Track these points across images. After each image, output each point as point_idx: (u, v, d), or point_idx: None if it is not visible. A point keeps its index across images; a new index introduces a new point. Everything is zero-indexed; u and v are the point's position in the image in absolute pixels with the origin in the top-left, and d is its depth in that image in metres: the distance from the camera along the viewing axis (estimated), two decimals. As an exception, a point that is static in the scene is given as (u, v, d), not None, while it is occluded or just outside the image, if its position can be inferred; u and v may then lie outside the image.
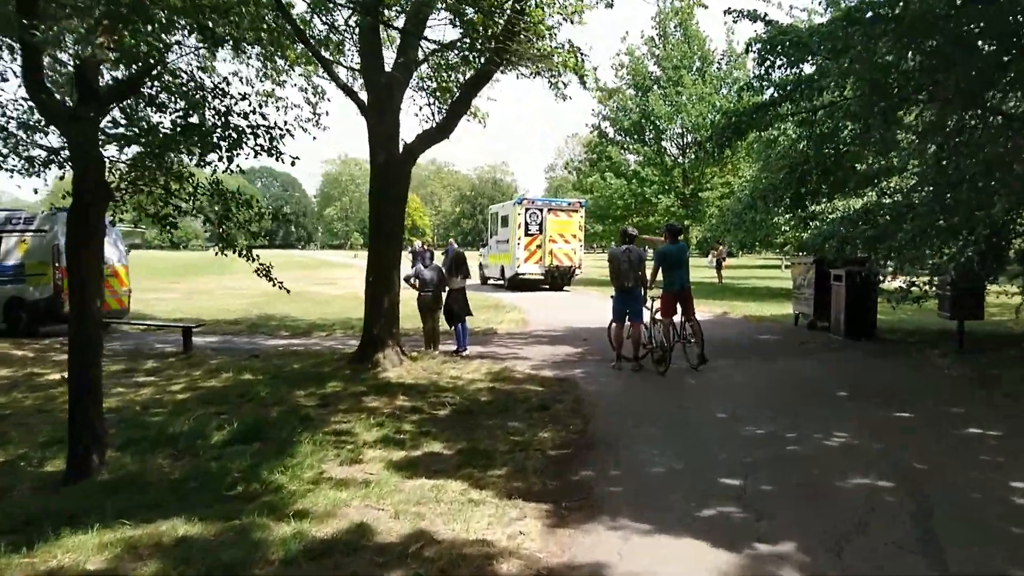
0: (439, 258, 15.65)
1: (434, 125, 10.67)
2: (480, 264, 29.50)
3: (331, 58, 10.85)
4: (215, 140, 6.36)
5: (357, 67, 11.24)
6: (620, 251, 10.50)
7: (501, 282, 27.40)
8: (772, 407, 8.22)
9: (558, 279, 25.96)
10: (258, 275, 8.31)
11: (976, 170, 9.75)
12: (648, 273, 10.88)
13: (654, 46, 31.13)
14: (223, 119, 6.67)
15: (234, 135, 6.56)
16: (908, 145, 13.68)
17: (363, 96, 10.62)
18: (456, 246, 32.39)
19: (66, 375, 6.81)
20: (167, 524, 4.73)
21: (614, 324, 10.76)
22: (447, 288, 11.91)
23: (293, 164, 7.67)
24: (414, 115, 12.06)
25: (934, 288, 11.85)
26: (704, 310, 19.18)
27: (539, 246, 25.35)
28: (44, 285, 14.71)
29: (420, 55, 10.84)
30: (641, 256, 10.57)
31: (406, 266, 13.42)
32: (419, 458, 6.37)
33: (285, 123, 15.55)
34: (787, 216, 22.23)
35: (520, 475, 5.84)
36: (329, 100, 15.16)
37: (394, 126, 10.49)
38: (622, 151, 31.31)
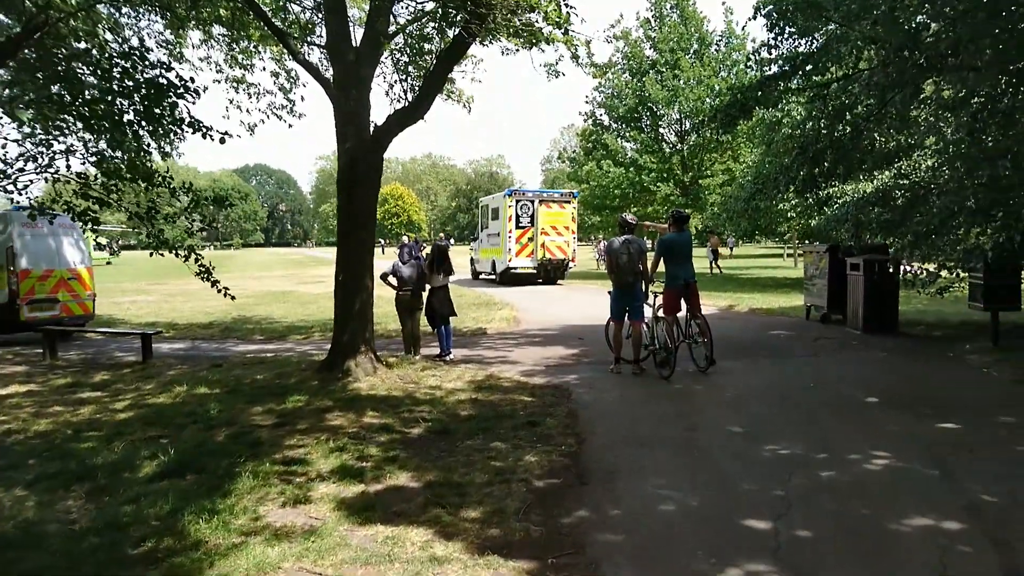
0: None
1: (406, 104, 9.55)
2: (471, 259, 28.91)
3: (298, 37, 9.73)
4: (117, 110, 5.25)
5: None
6: (619, 243, 9.42)
7: (492, 277, 26.63)
8: (794, 419, 7.15)
9: (551, 273, 25.28)
10: (200, 278, 7.24)
11: (1016, 145, 8.64)
12: (649, 266, 9.81)
13: (649, 28, 29.94)
14: (134, 87, 5.56)
15: (142, 106, 5.43)
16: (925, 121, 12.59)
17: (330, 75, 9.54)
18: (450, 242, 32.14)
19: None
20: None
21: (612, 323, 9.68)
22: (428, 286, 10.82)
23: (223, 142, 6.57)
24: (385, 94, 10.94)
25: (964, 275, 10.79)
26: (707, 303, 18.06)
27: (531, 239, 24.64)
28: (-1, 290, 13.63)
29: (392, 27, 9.74)
30: (642, 247, 9.48)
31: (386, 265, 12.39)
32: (378, 495, 5.28)
33: (259, 111, 14.62)
34: (793, 202, 21.17)
35: (498, 517, 4.76)
36: (304, 86, 14.00)
37: (363, 106, 9.38)
38: (618, 139, 30.14)
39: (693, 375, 9.30)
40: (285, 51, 12.02)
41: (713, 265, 27.38)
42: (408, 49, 10.18)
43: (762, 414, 7.35)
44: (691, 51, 29.38)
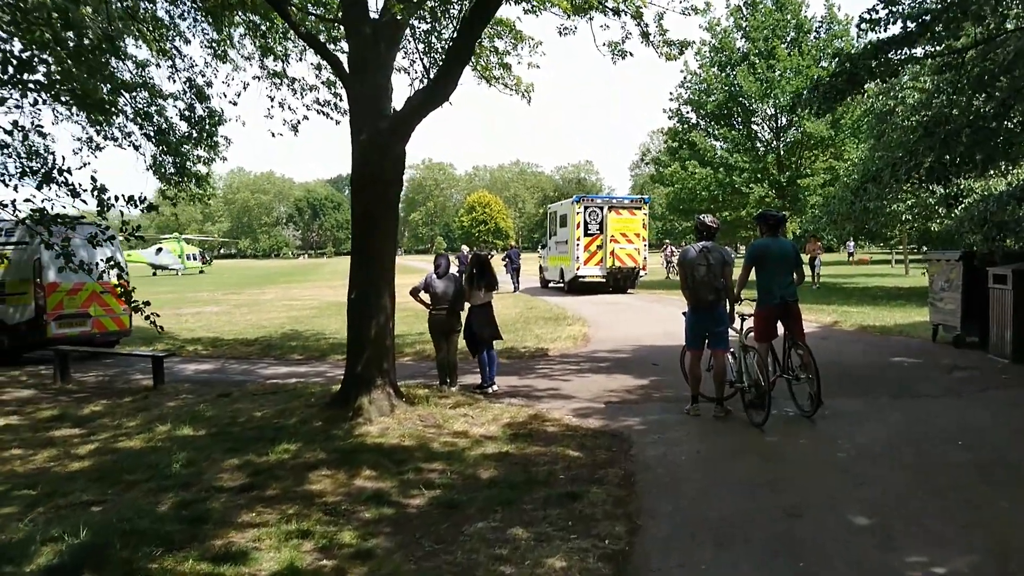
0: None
1: (428, 82, 7.87)
2: (540, 266, 28.16)
3: (301, 6, 8.22)
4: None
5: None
6: (695, 251, 7.45)
7: (561, 285, 25.78)
8: (945, 499, 5.03)
9: (621, 281, 24.09)
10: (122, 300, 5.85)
11: None
12: (736, 280, 7.81)
13: (741, 17, 27.45)
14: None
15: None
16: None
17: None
18: (518, 250, 30.75)
19: None
20: None
21: (689, 352, 7.70)
22: (467, 304, 9.11)
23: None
24: (404, 72, 9.32)
25: None
26: (808, 319, 15.71)
27: (600, 247, 23.55)
28: (25, 305, 12.71)
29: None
30: (725, 257, 7.48)
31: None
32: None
33: (304, 106, 13.35)
34: (910, 202, 18.45)
35: None
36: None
37: (382, 90, 7.76)
38: (707, 137, 27.72)
39: (794, 421, 7.24)
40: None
41: (815, 275, 24.31)
42: (430, 17, 8.49)
43: (896, 488, 5.26)
44: (787, 39, 26.73)
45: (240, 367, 11.98)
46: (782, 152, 27.32)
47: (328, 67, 12.94)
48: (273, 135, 13.30)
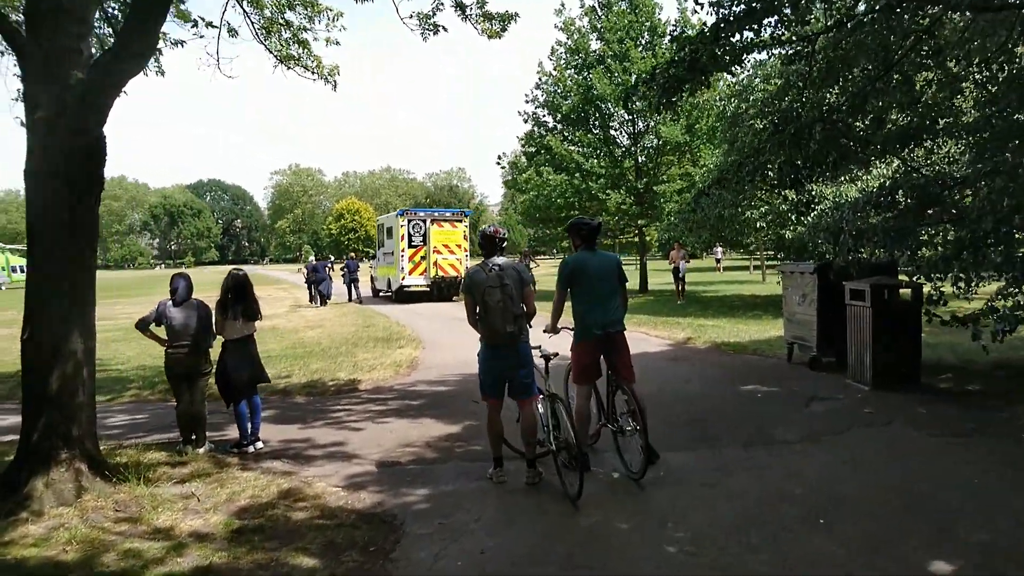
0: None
1: (114, 46, 5.75)
2: (371, 276, 29.85)
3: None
4: None
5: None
6: (483, 273, 5.71)
7: (390, 294, 27.12)
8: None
9: (444, 290, 25.29)
10: None
11: None
12: (552, 306, 6.15)
13: (596, 18, 26.47)
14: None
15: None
16: (937, 97, 9.17)
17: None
18: (358, 261, 29.80)
19: None
20: None
21: (487, 403, 5.94)
22: (220, 337, 7.03)
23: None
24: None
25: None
26: (658, 335, 14.51)
27: (423, 257, 25.10)
28: None
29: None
30: (523, 276, 5.79)
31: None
32: None
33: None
34: (762, 209, 17.70)
35: None
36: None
37: (67, 55, 5.59)
38: (563, 141, 26.52)
39: (620, 488, 5.64)
40: None
41: (680, 289, 22.85)
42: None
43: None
44: (642, 42, 25.96)
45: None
46: (640, 158, 26.48)
47: None
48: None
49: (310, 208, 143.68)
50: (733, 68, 8.57)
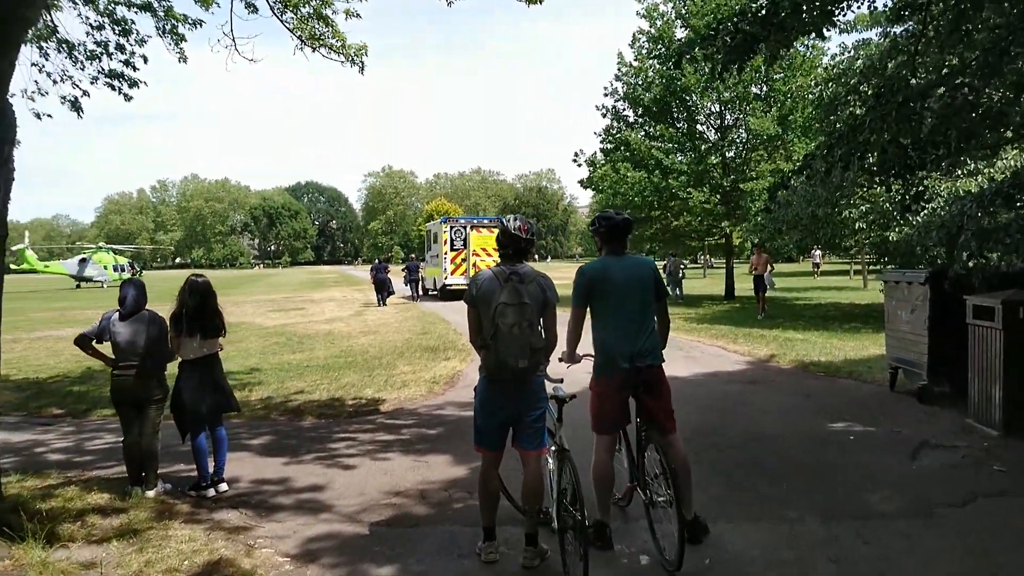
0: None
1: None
2: (421, 277, 31.20)
3: None
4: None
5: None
6: (498, 281, 4.29)
7: (435, 292, 29.55)
8: None
9: None
10: None
11: None
12: (567, 332, 4.65)
13: (680, 2, 24.51)
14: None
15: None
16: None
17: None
18: (420, 263, 31.14)
19: None
20: None
21: (482, 454, 4.52)
22: (178, 357, 5.86)
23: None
24: None
25: None
26: (740, 351, 12.72)
27: (464, 259, 27.37)
28: None
29: None
30: (547, 293, 4.33)
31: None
32: None
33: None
34: (863, 208, 15.56)
35: None
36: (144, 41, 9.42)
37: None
38: (644, 136, 24.70)
39: (645, 582, 4.13)
40: None
41: (760, 302, 19.08)
42: None
43: None
44: (732, 29, 23.83)
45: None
46: (727, 154, 24.43)
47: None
48: (39, 116, 10.16)
49: (401, 209, 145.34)
50: (825, 28, 6.84)
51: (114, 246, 68.54)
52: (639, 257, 4.73)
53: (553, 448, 4.47)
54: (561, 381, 4.49)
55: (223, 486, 5.82)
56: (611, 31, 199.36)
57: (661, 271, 29.72)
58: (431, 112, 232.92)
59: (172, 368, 5.94)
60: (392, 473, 6.26)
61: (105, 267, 56.49)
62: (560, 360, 4.69)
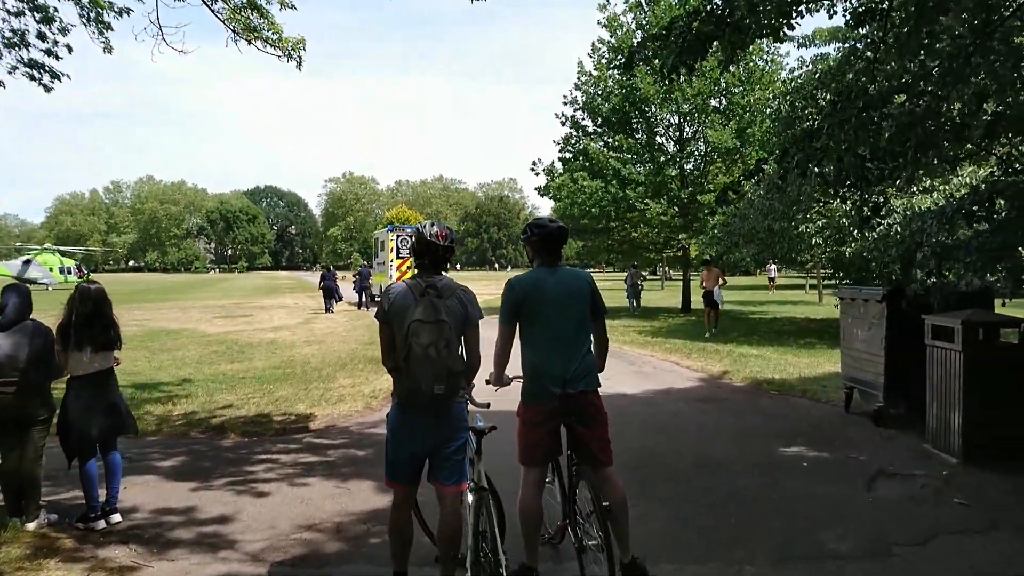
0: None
1: None
2: (368, 284, 31.44)
3: None
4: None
5: None
6: (412, 295, 3.80)
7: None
8: None
9: None
10: None
11: None
12: (495, 352, 4.16)
13: (641, 12, 24.35)
14: None
15: None
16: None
17: None
18: (368, 269, 30.98)
19: None
20: None
21: (396, 490, 3.99)
22: (64, 374, 5.22)
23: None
24: None
25: None
26: (693, 366, 12.37)
27: (409, 267, 26.54)
28: None
29: None
30: (468, 309, 3.87)
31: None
32: None
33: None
34: (820, 223, 15.38)
35: None
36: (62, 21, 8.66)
37: None
38: (603, 146, 24.41)
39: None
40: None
41: (709, 319, 18.07)
42: None
43: None
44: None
45: None
46: (685, 166, 24.27)
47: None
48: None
49: (362, 216, 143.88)
50: (783, 30, 6.48)
51: (62, 248, 66.25)
52: (575, 269, 4.26)
53: (470, 485, 3.96)
54: (488, 405, 3.99)
55: (115, 517, 5.19)
56: (576, 39, 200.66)
57: (623, 283, 29.01)
58: (392, 119, 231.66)
59: (60, 385, 5.31)
60: (309, 502, 5.69)
61: (51, 268, 54.47)
62: (487, 382, 4.21)
